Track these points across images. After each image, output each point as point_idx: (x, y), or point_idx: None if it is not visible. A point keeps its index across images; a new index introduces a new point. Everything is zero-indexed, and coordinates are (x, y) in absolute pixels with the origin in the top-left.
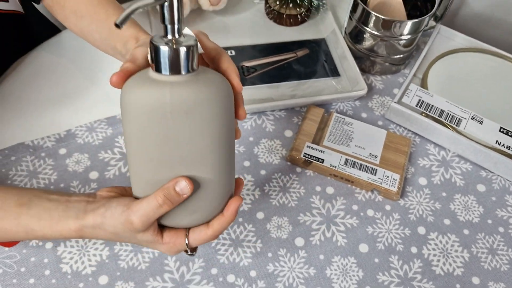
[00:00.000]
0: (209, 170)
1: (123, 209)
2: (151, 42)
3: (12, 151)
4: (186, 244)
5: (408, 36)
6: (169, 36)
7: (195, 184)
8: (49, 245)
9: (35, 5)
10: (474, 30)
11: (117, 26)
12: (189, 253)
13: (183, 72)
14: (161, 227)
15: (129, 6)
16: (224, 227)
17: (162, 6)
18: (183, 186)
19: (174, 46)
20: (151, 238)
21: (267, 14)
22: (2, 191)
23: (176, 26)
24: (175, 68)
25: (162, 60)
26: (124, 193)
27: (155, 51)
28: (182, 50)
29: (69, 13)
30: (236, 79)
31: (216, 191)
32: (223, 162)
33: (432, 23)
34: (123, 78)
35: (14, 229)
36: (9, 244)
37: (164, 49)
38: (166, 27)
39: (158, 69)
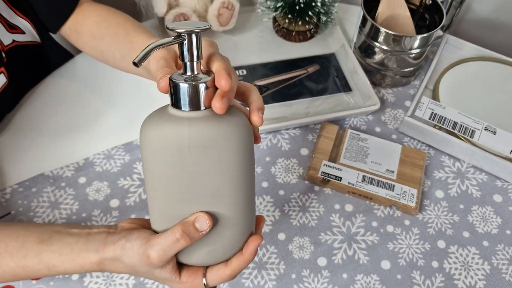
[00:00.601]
0: (228, 206)
1: (142, 242)
2: (170, 80)
3: (32, 182)
4: (204, 284)
5: (418, 50)
6: (188, 73)
7: (214, 220)
8: (75, 276)
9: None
10: (479, 35)
11: (135, 64)
12: None
13: (202, 108)
14: (179, 266)
15: (147, 45)
16: (243, 266)
17: (181, 44)
18: (203, 222)
19: (193, 83)
20: (168, 275)
21: (276, 32)
22: (23, 229)
23: (195, 64)
24: (194, 104)
25: (181, 96)
26: (146, 225)
27: (175, 88)
28: (201, 86)
29: (88, 38)
30: (223, 77)
31: (235, 229)
32: (242, 199)
33: (439, 32)
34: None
35: (36, 266)
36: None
37: (184, 86)
38: (185, 64)
39: (177, 105)
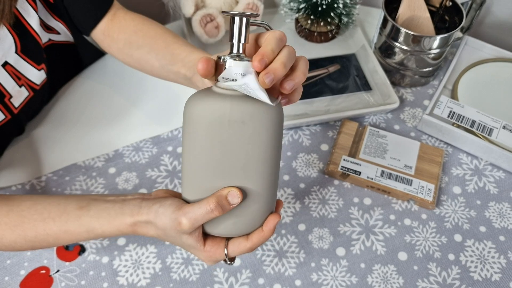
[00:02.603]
0: (256, 182)
1: (175, 209)
2: (217, 57)
3: (66, 172)
4: (225, 254)
5: (437, 50)
6: (234, 52)
7: (243, 194)
8: (105, 259)
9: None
10: (499, 38)
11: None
12: (228, 262)
13: None
14: (204, 236)
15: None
16: (262, 241)
17: (232, 25)
18: (234, 196)
19: (237, 59)
20: (194, 243)
21: (298, 32)
22: (63, 198)
23: (241, 45)
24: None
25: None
26: (178, 197)
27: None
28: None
29: (124, 45)
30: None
31: (260, 204)
32: (269, 176)
33: (459, 34)
34: (208, 64)
35: (76, 230)
36: (69, 258)
37: (230, 62)
38: (232, 44)
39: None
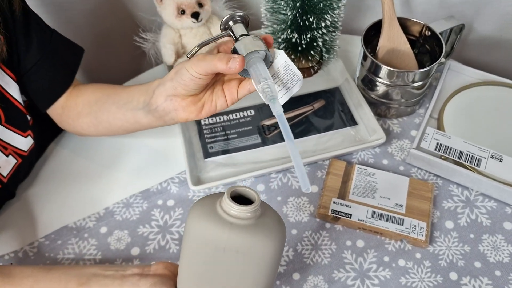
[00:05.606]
0: None
1: None
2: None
3: (57, 235)
4: None
5: (420, 82)
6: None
7: None
8: None
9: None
10: (483, 54)
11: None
12: None
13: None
14: None
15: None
16: None
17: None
18: None
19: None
20: None
21: None
22: (63, 273)
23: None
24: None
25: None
26: (175, 272)
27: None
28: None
29: (82, 107)
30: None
31: None
32: None
33: (441, 59)
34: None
35: None
36: None
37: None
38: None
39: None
